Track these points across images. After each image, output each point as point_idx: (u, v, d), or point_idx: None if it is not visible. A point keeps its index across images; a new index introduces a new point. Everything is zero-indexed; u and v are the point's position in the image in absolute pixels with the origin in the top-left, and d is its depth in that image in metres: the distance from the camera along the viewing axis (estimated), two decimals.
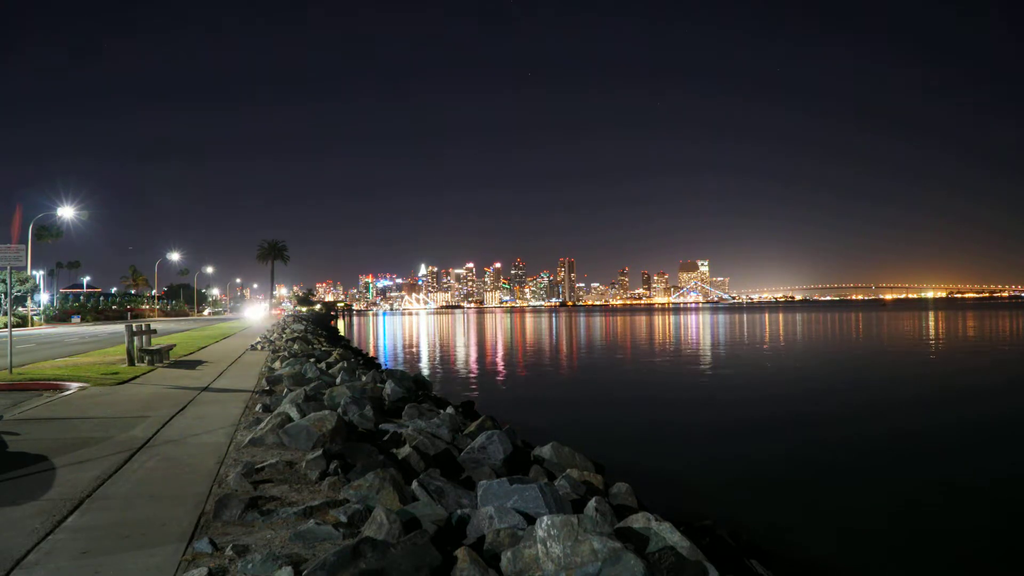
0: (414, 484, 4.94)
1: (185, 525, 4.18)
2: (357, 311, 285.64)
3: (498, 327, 73.62)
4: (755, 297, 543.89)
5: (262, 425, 6.97)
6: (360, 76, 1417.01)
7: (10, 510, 4.43)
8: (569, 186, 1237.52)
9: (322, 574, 3.20)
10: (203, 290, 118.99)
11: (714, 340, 41.99)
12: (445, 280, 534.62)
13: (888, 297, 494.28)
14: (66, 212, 44.31)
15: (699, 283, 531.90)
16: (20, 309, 44.77)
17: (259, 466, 5.45)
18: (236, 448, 6.38)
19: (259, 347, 20.63)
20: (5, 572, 3.51)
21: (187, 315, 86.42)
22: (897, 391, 17.61)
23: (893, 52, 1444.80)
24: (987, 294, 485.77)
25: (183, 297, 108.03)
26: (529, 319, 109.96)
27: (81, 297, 76.42)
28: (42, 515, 4.32)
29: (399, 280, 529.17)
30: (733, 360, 28.00)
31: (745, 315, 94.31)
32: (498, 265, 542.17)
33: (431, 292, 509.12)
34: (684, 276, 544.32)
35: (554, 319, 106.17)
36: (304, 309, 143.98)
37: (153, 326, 17.12)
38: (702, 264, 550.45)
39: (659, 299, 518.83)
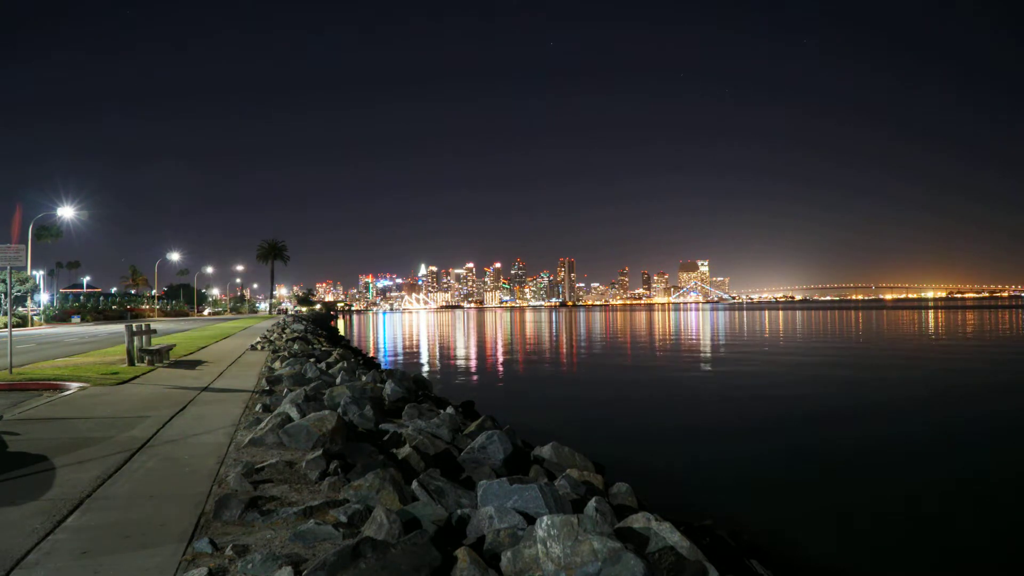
0: (414, 484, 4.94)
1: (185, 525, 4.18)
2: (357, 311, 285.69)
3: (498, 326, 73.61)
4: (755, 297, 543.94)
5: (262, 425, 6.96)
6: (359, 78, 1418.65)
7: (10, 510, 4.43)
8: (569, 186, 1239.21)
9: (322, 574, 3.20)
10: (203, 290, 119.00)
11: (714, 340, 41.98)
12: (445, 280, 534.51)
13: (888, 297, 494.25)
14: (66, 212, 44.33)
15: (699, 283, 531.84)
16: (20, 309, 44.76)
17: (259, 466, 5.45)
18: (236, 448, 6.37)
19: (259, 347, 20.62)
20: (5, 572, 3.51)
21: (187, 315, 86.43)
22: (898, 390, 17.60)
23: (893, 52, 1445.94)
24: (987, 294, 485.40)
25: (183, 297, 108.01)
26: (529, 316, 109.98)
27: (81, 297, 76.43)
28: (42, 515, 4.32)
29: (399, 280, 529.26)
30: (733, 360, 28.00)
31: (745, 314, 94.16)
32: (498, 265, 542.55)
33: (431, 292, 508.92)
34: (684, 276, 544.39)
35: (554, 317, 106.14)
36: (304, 309, 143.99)
37: (153, 326, 17.11)
38: (702, 264, 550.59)
39: (659, 299, 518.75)
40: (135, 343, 14.60)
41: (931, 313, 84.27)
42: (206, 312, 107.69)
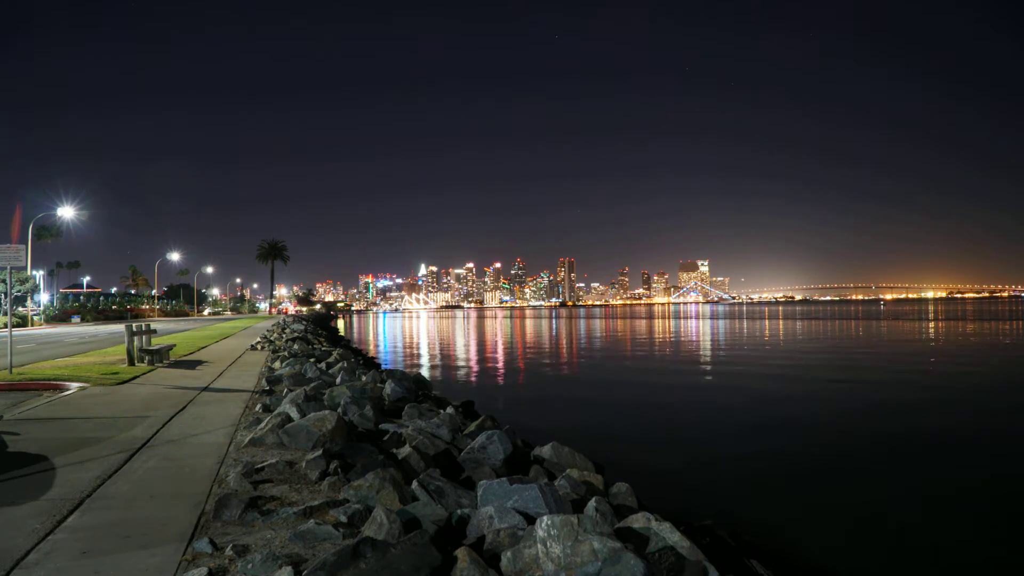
0: (414, 484, 4.94)
1: (185, 525, 4.18)
2: (357, 311, 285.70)
3: (498, 327, 73.61)
4: (755, 297, 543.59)
5: (262, 425, 6.96)
6: (359, 78, 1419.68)
7: (10, 510, 4.43)
8: (569, 186, 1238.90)
9: (322, 574, 3.20)
10: (203, 290, 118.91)
11: (714, 340, 41.98)
12: (445, 280, 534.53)
13: (888, 297, 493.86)
14: (66, 212, 44.34)
15: (699, 283, 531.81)
16: (20, 309, 44.75)
17: (259, 466, 5.45)
18: (236, 448, 6.37)
19: (259, 347, 20.62)
20: (5, 572, 3.51)
21: (187, 315, 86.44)
22: (898, 390, 17.59)
23: (893, 52, 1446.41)
24: (987, 294, 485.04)
25: (183, 297, 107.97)
26: (529, 316, 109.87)
27: (81, 297, 76.38)
28: (42, 515, 4.32)
29: (399, 280, 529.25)
30: (733, 360, 28.00)
31: (745, 316, 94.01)
32: (498, 265, 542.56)
33: (431, 292, 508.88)
34: (684, 276, 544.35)
35: (554, 319, 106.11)
36: (304, 309, 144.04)
37: (153, 326, 17.10)
38: (702, 264, 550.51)
39: (659, 299, 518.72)
40: (135, 343, 14.60)
41: (930, 316, 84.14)
42: (206, 312, 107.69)
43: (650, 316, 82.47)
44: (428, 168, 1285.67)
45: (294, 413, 7.39)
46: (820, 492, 8.79)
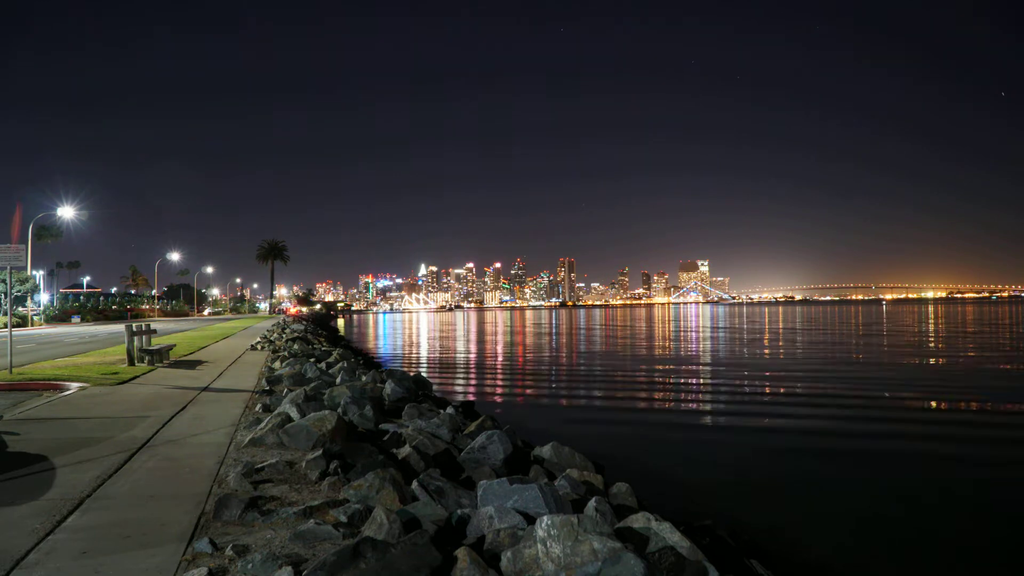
0: (414, 484, 4.94)
1: (185, 525, 4.18)
2: (357, 311, 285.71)
3: (498, 326, 73.57)
4: (755, 297, 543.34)
5: (262, 425, 6.97)
6: (359, 78, 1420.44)
7: (10, 510, 4.43)
8: (569, 186, 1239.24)
9: (322, 574, 3.20)
10: (203, 290, 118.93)
11: (714, 340, 41.99)
12: (445, 280, 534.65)
13: (888, 297, 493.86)
14: (66, 212, 44.36)
15: (699, 283, 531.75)
16: (20, 309, 44.75)
17: (259, 466, 5.45)
18: (236, 448, 6.38)
19: (259, 347, 20.62)
20: (5, 572, 3.51)
21: (187, 315, 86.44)
22: (898, 390, 17.59)
23: (893, 52, 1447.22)
24: (987, 294, 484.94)
25: (183, 297, 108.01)
26: (530, 316, 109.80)
27: (81, 297, 76.43)
28: (42, 515, 4.32)
29: (399, 280, 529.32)
30: (733, 360, 28.00)
31: (745, 323, 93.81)
32: (498, 265, 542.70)
33: (431, 292, 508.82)
34: (684, 276, 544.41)
35: (553, 318, 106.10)
36: (304, 309, 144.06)
37: (153, 326, 17.11)
38: (702, 264, 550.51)
39: (659, 299, 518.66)
40: (135, 343, 14.60)
41: (931, 313, 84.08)
42: (206, 312, 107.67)
43: (649, 320, 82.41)
44: (428, 168, 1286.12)
45: (294, 413, 7.39)
46: (821, 492, 8.78)
